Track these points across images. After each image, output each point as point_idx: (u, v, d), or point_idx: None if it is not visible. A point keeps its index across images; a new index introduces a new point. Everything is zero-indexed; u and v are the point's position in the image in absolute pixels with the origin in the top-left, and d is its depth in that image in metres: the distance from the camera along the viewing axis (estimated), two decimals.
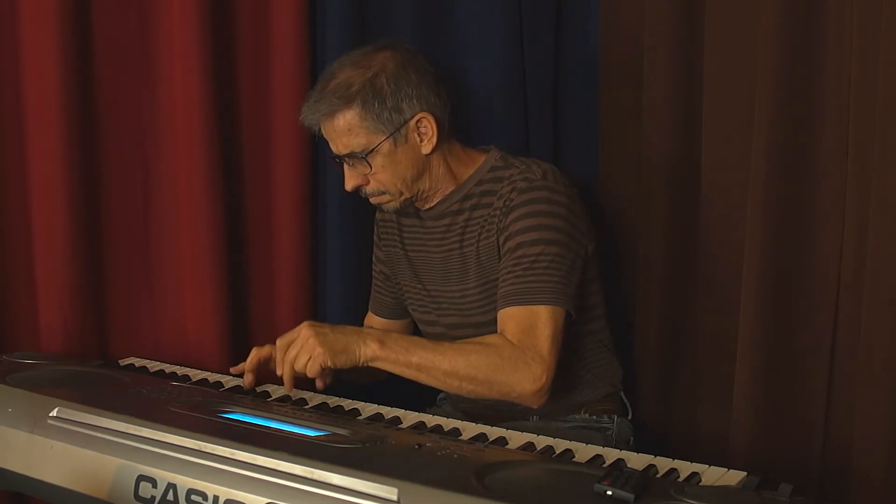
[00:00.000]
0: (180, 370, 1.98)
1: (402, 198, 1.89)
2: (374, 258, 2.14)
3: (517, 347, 1.72)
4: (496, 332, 1.80)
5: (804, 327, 1.82)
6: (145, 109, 2.06)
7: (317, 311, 2.24)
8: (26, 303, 2.01)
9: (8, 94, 1.96)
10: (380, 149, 1.82)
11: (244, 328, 2.17)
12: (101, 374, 1.85)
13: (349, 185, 1.88)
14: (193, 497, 1.42)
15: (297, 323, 2.14)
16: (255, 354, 1.85)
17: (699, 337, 2.05)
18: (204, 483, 1.42)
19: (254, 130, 2.15)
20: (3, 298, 2.00)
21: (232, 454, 1.42)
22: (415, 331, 2.13)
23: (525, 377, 1.71)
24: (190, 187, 2.04)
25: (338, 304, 2.23)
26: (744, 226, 1.85)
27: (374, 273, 2.14)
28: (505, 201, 1.84)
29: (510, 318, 1.76)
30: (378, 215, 2.08)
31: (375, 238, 2.12)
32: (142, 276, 2.10)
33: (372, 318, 2.17)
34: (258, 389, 1.85)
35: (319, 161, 2.20)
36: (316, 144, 2.18)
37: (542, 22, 2.30)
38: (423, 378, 1.74)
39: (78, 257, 1.99)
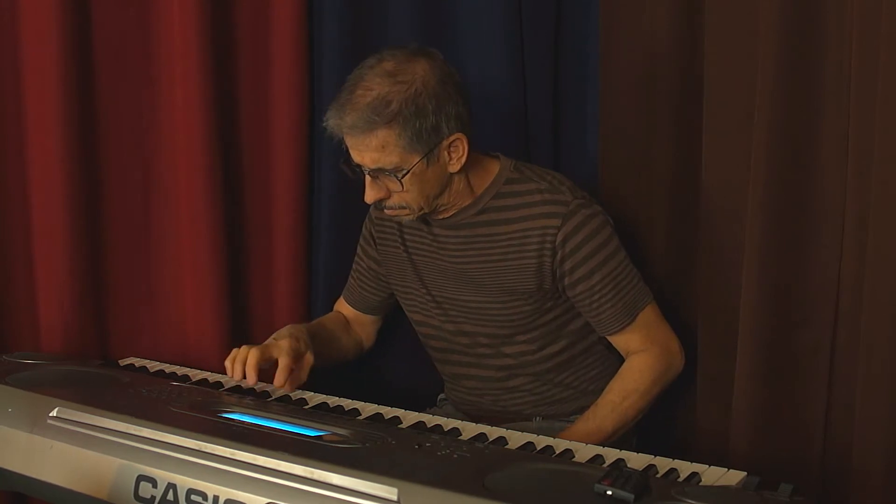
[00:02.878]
0: (180, 370, 1.98)
1: (421, 212, 1.86)
2: (360, 252, 2.10)
3: (653, 355, 1.90)
4: (505, 342, 1.92)
5: (804, 327, 1.82)
6: (145, 109, 2.06)
7: (311, 310, 2.24)
8: (26, 303, 2.02)
9: (8, 94, 1.96)
10: (413, 169, 1.77)
11: (244, 328, 2.17)
12: (101, 374, 1.85)
13: (370, 198, 1.82)
14: (193, 497, 1.42)
15: (295, 321, 2.15)
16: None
17: (699, 337, 2.05)
18: (204, 483, 1.42)
19: (253, 130, 2.15)
20: (3, 298, 2.00)
21: (232, 454, 1.42)
22: (406, 336, 2.14)
23: (674, 370, 1.93)
24: (190, 187, 2.04)
25: (327, 300, 2.22)
26: (744, 226, 1.85)
27: (358, 267, 2.11)
28: (552, 241, 1.84)
29: (631, 334, 1.91)
30: (374, 211, 2.04)
31: (366, 233, 2.08)
32: (142, 276, 2.10)
33: (343, 306, 2.15)
34: (258, 389, 1.85)
35: (317, 161, 2.19)
36: (314, 144, 2.18)
37: (542, 22, 2.30)
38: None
39: (78, 257, 1.99)
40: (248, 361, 1.77)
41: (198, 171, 2.03)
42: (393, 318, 2.20)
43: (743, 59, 1.87)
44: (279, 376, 1.79)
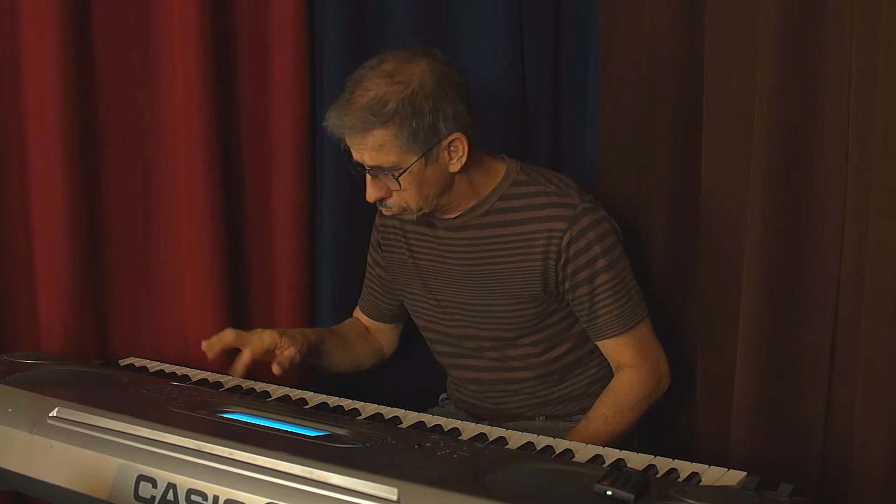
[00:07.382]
0: (180, 370, 1.98)
1: (421, 213, 1.86)
2: (370, 261, 2.11)
3: (643, 371, 1.88)
4: (509, 345, 1.92)
5: (804, 327, 1.82)
6: (145, 109, 2.06)
7: (313, 311, 2.24)
8: (26, 303, 2.01)
9: (8, 94, 1.96)
10: (410, 168, 1.78)
11: (244, 329, 2.15)
12: (101, 374, 1.85)
13: (371, 197, 1.83)
14: (193, 497, 1.42)
15: (296, 323, 2.16)
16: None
17: (699, 337, 2.05)
18: (204, 483, 1.42)
19: (253, 131, 2.15)
20: (3, 298, 2.00)
21: (232, 454, 1.42)
22: (408, 337, 2.13)
23: (661, 389, 1.92)
24: (190, 187, 2.04)
25: (332, 305, 2.22)
26: (744, 225, 1.85)
27: (370, 276, 2.12)
28: (558, 244, 1.84)
29: (623, 345, 1.90)
30: (378, 220, 2.05)
31: (373, 241, 2.09)
32: (142, 276, 2.10)
33: (359, 315, 2.16)
34: (258, 389, 1.85)
35: (318, 162, 2.19)
36: (315, 145, 2.18)
37: (542, 22, 2.30)
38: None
39: (78, 257, 1.99)
40: (222, 334, 1.87)
41: (198, 171, 2.03)
42: None
43: (743, 59, 1.87)
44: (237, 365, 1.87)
